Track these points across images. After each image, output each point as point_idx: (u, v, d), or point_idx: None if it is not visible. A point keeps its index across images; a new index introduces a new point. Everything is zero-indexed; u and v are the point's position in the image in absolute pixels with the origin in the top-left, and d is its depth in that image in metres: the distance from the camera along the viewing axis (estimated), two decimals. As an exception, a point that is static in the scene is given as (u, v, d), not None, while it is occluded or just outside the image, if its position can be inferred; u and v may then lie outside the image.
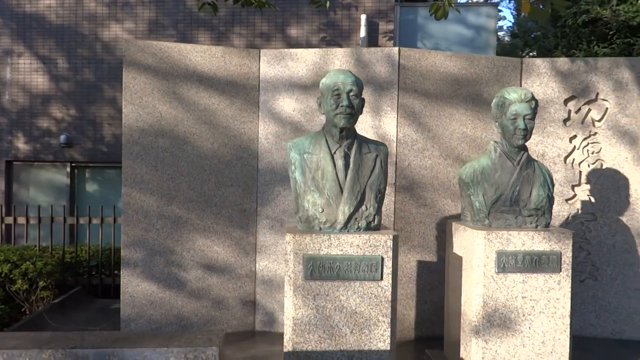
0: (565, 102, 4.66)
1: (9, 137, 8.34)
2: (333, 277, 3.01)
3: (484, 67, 4.61)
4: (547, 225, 3.49)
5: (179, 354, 2.10)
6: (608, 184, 4.62)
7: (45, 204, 7.43)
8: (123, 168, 4.33)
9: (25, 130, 8.38)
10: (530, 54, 16.96)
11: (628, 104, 4.61)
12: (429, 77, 4.49)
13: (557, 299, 3.34)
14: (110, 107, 8.72)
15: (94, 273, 5.79)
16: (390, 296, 3.03)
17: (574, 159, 4.67)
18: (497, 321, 3.32)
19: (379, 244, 3.02)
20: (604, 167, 4.63)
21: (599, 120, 4.65)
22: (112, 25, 8.80)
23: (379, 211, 3.16)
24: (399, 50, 4.40)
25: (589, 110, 4.66)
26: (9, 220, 5.84)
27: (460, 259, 3.56)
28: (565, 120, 4.67)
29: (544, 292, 3.33)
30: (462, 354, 3.51)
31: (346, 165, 3.12)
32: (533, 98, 3.41)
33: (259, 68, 4.56)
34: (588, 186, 4.65)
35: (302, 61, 4.50)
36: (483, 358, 3.31)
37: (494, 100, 3.53)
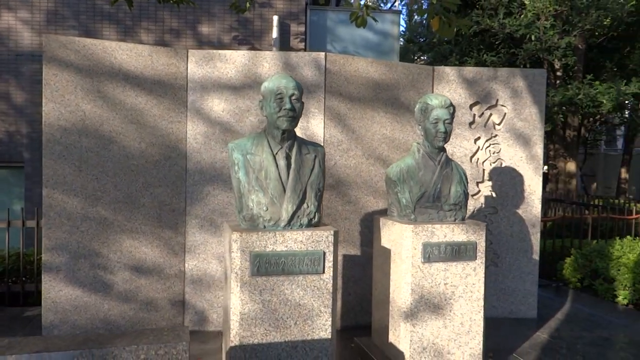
0: (471, 107, 5.17)
1: None
2: (278, 272, 3.16)
3: (401, 74, 4.97)
4: (464, 218, 3.90)
5: (149, 351, 2.15)
6: (507, 181, 5.19)
7: None
8: (44, 168, 4.14)
9: None
10: (422, 57, 18.08)
11: (522, 110, 5.21)
12: (352, 82, 4.77)
13: (473, 284, 3.75)
14: (2, 102, 8.11)
15: (-2, 281, 5.41)
16: (331, 288, 3.24)
17: (478, 158, 5.19)
18: (423, 307, 3.66)
19: (321, 240, 3.22)
20: (503, 165, 5.19)
21: (499, 124, 5.21)
22: (4, 14, 8.19)
23: (319, 208, 3.36)
24: (326, 55, 4.63)
25: (491, 114, 5.20)
26: None
27: (388, 251, 3.86)
28: (470, 124, 5.17)
29: (462, 278, 3.73)
30: (391, 338, 3.82)
31: (288, 166, 3.28)
32: (451, 104, 3.79)
33: (187, 68, 4.56)
34: (490, 183, 5.19)
35: (232, 62, 4.57)
36: (411, 340, 3.63)
37: (417, 106, 3.87)
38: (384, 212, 4.65)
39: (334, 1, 13.06)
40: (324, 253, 3.22)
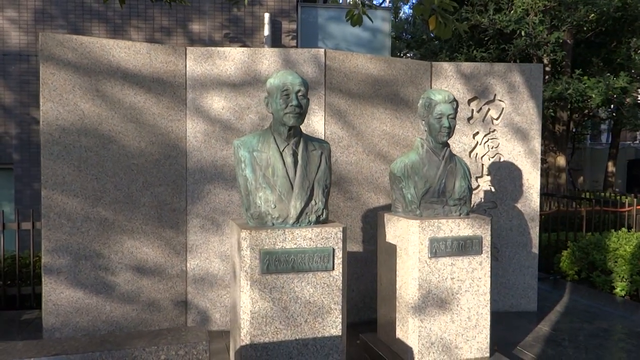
0: (469, 102, 5.18)
1: None
2: (288, 269, 3.14)
3: (399, 70, 4.97)
4: (468, 213, 3.90)
5: (170, 351, 2.12)
6: (505, 175, 5.22)
7: None
8: (42, 169, 4.07)
9: None
10: (408, 55, 18.13)
11: (520, 104, 5.23)
12: (352, 78, 4.76)
13: (480, 278, 3.76)
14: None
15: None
16: (341, 284, 3.23)
17: (477, 153, 5.21)
18: (431, 301, 3.66)
19: (330, 236, 3.20)
20: (502, 160, 5.22)
21: (497, 119, 5.23)
22: (-8, 13, 8.04)
23: (326, 205, 3.35)
24: (325, 52, 4.61)
25: (489, 109, 5.22)
26: None
27: (394, 247, 3.86)
28: (469, 119, 5.19)
29: (468, 272, 3.74)
30: (399, 334, 3.82)
31: (295, 163, 3.26)
32: (454, 99, 3.79)
33: (186, 66, 4.51)
34: (489, 177, 5.22)
35: (231, 60, 4.53)
36: (419, 336, 3.63)
37: (420, 101, 3.87)
38: (385, 208, 4.64)
39: (323, -2, 13.05)
40: (334, 250, 3.20)
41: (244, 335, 3.10)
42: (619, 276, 5.50)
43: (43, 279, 4.10)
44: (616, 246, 5.67)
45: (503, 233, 5.22)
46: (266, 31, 8.58)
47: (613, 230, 6.47)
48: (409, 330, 3.68)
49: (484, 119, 5.22)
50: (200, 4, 8.66)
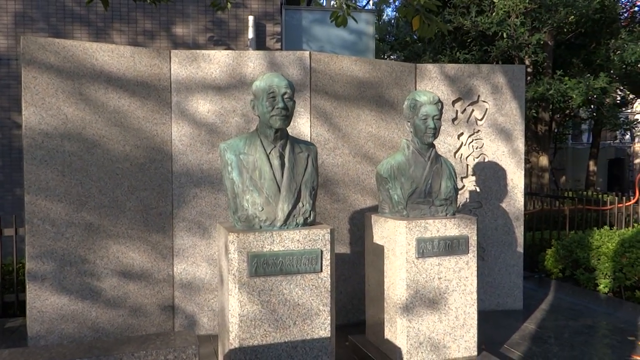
0: (453, 103, 5.23)
1: None
2: (276, 272, 3.14)
3: (384, 72, 5.00)
4: (454, 213, 3.94)
5: (159, 356, 2.10)
6: (490, 175, 5.27)
7: None
8: (25, 174, 4.01)
9: None
10: (392, 57, 18.23)
11: (503, 105, 5.29)
12: (337, 80, 4.77)
13: (467, 277, 3.79)
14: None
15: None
16: (329, 286, 3.23)
17: (462, 154, 5.25)
18: (418, 302, 3.68)
19: (318, 238, 3.21)
20: (486, 160, 5.27)
21: (481, 119, 5.28)
22: (-29, 17, 7.91)
23: (313, 207, 3.35)
24: (310, 54, 4.62)
25: (473, 110, 5.27)
26: None
27: (381, 247, 3.88)
28: (453, 120, 5.23)
29: (455, 272, 3.77)
30: (387, 334, 3.83)
31: (282, 165, 3.26)
32: (439, 101, 3.82)
33: (170, 69, 4.49)
34: (474, 177, 5.26)
35: (216, 62, 4.51)
36: (408, 336, 3.65)
37: (405, 103, 3.89)
38: (372, 210, 4.66)
39: (307, 1, 13.07)
40: (321, 252, 3.21)
41: (233, 338, 3.09)
42: (602, 273, 5.58)
43: (27, 286, 4.04)
44: (599, 244, 5.75)
45: (488, 232, 5.27)
46: (250, 34, 8.57)
47: (595, 228, 6.57)
48: (398, 330, 3.69)
49: (468, 119, 5.26)
50: (184, 6, 8.62)
